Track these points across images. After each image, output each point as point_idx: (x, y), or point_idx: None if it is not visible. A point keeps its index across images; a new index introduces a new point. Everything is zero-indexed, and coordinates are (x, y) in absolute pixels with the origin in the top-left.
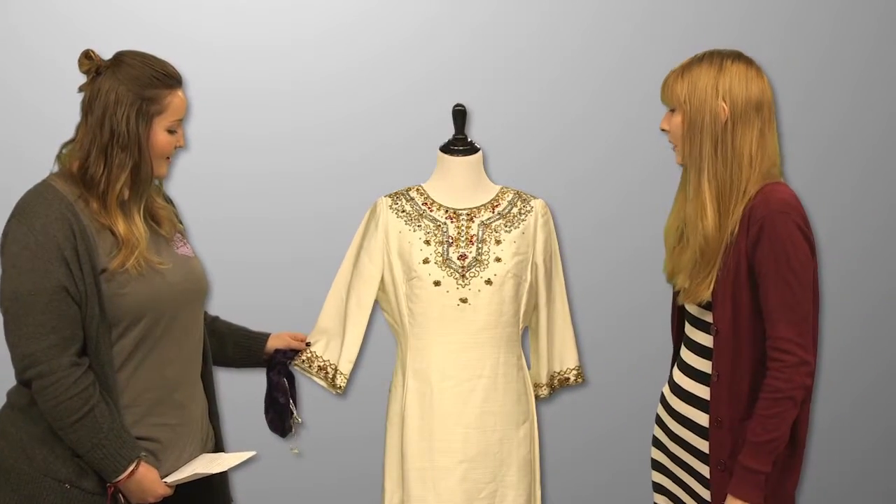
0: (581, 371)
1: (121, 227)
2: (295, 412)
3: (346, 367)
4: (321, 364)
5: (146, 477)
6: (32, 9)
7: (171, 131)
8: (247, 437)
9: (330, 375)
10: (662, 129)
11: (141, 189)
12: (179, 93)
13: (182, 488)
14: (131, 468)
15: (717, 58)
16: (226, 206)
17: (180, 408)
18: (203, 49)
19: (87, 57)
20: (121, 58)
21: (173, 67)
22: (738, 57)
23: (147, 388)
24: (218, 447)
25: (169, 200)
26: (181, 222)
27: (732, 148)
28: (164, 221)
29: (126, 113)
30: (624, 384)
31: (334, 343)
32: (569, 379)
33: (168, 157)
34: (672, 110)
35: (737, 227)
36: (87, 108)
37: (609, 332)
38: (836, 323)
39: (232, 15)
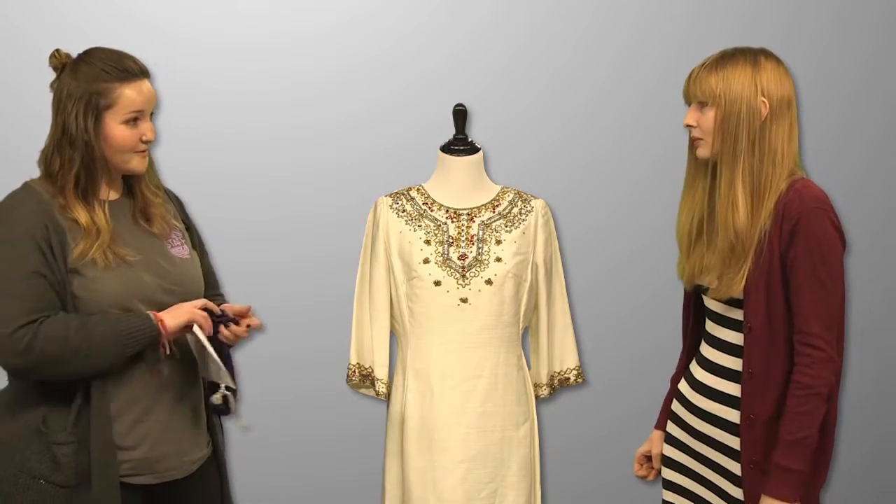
0: (581, 371)
1: (82, 217)
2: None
3: (381, 372)
4: (364, 373)
5: (169, 311)
6: (32, 9)
7: (129, 124)
8: (249, 442)
9: (368, 384)
10: (688, 125)
11: (97, 183)
12: (135, 85)
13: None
14: (153, 317)
15: (750, 54)
16: (225, 206)
17: (171, 413)
18: (203, 49)
19: (54, 56)
20: (82, 54)
21: (132, 60)
22: (769, 54)
23: (135, 394)
24: (217, 454)
25: (175, 198)
26: (185, 220)
27: (768, 143)
28: (155, 219)
29: (75, 108)
30: (624, 384)
31: (368, 353)
32: (569, 379)
33: (138, 151)
34: (701, 104)
35: (769, 223)
36: (52, 106)
37: (609, 332)
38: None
39: (232, 15)
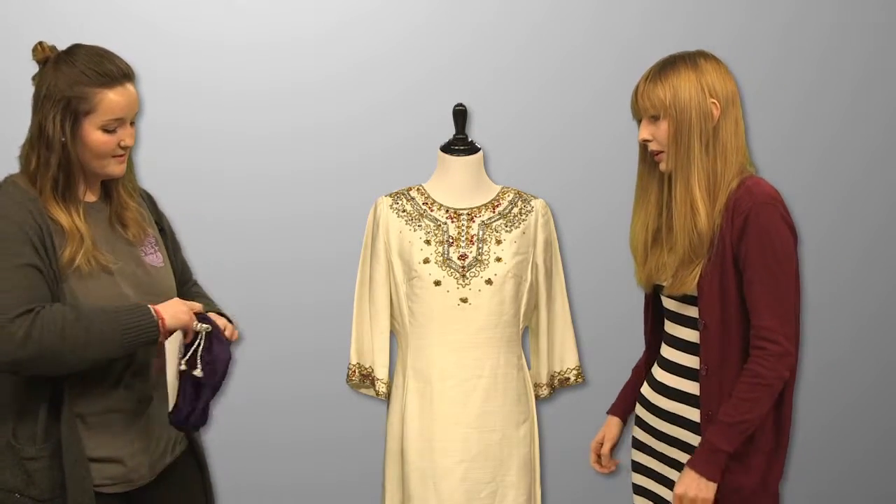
0: (581, 371)
1: (63, 219)
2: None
3: (381, 372)
4: (365, 373)
5: (164, 307)
6: (32, 9)
7: (107, 130)
8: (249, 442)
9: (369, 383)
10: (644, 140)
11: (75, 185)
12: (117, 90)
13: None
14: (154, 311)
15: (689, 59)
16: (225, 206)
17: (147, 425)
18: (203, 49)
19: (38, 49)
20: (67, 51)
21: (113, 63)
22: (707, 55)
23: (109, 405)
24: (194, 448)
25: (146, 196)
26: (158, 218)
27: (720, 142)
28: (130, 224)
29: (52, 111)
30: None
31: (369, 353)
32: (569, 379)
33: (116, 156)
34: (653, 118)
35: (719, 220)
36: (32, 101)
37: (609, 332)
38: (836, 323)
39: (232, 15)
